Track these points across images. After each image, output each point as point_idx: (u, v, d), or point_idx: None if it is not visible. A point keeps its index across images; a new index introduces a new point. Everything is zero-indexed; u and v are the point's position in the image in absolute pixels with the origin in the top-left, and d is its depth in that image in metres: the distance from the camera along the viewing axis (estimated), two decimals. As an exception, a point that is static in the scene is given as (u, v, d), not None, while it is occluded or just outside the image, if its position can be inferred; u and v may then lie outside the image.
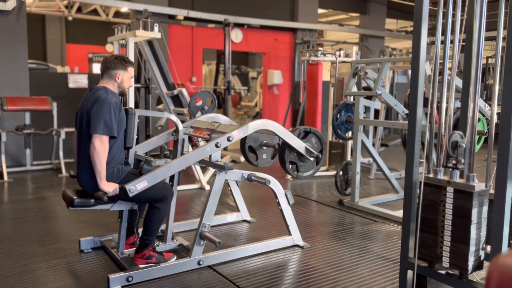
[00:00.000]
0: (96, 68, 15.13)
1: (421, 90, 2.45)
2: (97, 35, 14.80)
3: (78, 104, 2.97)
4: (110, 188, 2.69)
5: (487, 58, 9.99)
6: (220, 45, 8.27)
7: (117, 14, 13.27)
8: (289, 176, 5.96)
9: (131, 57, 5.01)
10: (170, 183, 3.30)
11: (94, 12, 13.37)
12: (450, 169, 2.26)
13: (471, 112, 2.35)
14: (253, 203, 4.78)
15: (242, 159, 4.44)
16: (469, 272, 2.20)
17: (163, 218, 2.97)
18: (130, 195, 2.67)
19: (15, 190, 5.34)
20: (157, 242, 3.31)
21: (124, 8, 10.45)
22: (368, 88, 5.39)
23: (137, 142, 3.40)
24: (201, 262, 3.05)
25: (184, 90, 5.57)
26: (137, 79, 6.74)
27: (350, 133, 5.37)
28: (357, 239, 3.72)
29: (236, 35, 9.17)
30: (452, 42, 2.38)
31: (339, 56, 6.63)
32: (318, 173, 5.94)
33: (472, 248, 2.18)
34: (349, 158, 6.24)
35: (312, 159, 3.48)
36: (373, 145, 5.55)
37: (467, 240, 2.17)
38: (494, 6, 2.50)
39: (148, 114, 4.13)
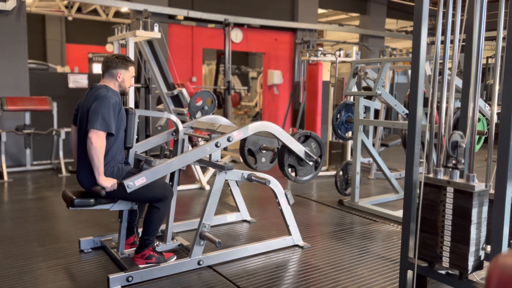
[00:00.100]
0: (96, 68, 15.13)
1: (421, 90, 2.45)
2: (97, 35, 14.80)
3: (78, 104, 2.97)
4: (109, 183, 2.69)
5: (487, 58, 9.99)
6: (220, 45, 8.27)
7: (117, 14, 13.27)
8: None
9: (131, 57, 5.01)
10: (170, 183, 3.30)
11: (94, 12, 13.37)
12: (450, 169, 2.26)
13: (471, 112, 2.35)
14: (253, 203, 4.78)
15: (242, 159, 4.43)
16: (469, 272, 2.20)
17: (163, 218, 2.97)
18: (128, 190, 2.67)
19: (15, 190, 5.34)
20: (157, 242, 3.31)
21: (124, 8, 10.45)
22: (368, 88, 5.39)
23: (137, 142, 3.40)
24: (201, 262, 3.05)
25: (184, 90, 5.57)
26: (137, 79, 6.74)
27: (350, 133, 5.37)
28: (357, 239, 3.72)
29: (236, 35, 9.17)
30: (452, 42, 2.38)
31: (339, 56, 6.63)
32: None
33: (472, 248, 2.18)
34: (349, 158, 6.25)
35: (311, 163, 3.48)
36: (373, 145, 5.55)
37: (467, 240, 2.17)
38: (494, 6, 2.51)
39: (148, 114, 4.13)
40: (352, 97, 5.14)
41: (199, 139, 3.76)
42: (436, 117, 2.50)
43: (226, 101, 7.92)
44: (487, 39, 3.98)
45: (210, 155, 3.16)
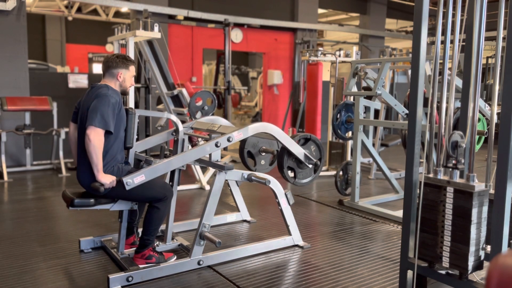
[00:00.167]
0: (96, 68, 15.13)
1: (421, 90, 2.45)
2: (97, 35, 14.80)
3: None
4: (107, 180, 2.68)
5: (487, 58, 9.99)
6: (220, 45, 8.27)
7: (117, 14, 13.27)
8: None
9: (131, 57, 5.01)
10: (170, 183, 3.30)
11: (94, 12, 13.37)
12: (450, 169, 2.26)
13: (471, 112, 2.35)
14: (253, 203, 4.78)
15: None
16: (469, 272, 2.20)
17: (163, 218, 2.97)
18: (127, 188, 2.67)
19: (15, 190, 5.34)
20: (157, 242, 3.31)
21: (124, 8, 10.45)
22: (368, 88, 5.39)
23: (137, 141, 3.40)
24: (201, 262, 3.05)
25: (184, 90, 5.57)
26: (137, 79, 6.74)
27: (350, 133, 5.37)
28: (357, 239, 3.72)
29: (236, 35, 9.17)
30: (452, 42, 2.38)
31: (339, 56, 6.63)
32: (318, 173, 5.93)
33: (472, 248, 2.18)
34: (349, 158, 6.25)
35: (310, 166, 3.48)
36: (373, 145, 5.55)
37: (467, 240, 2.17)
38: (494, 6, 2.51)
39: (148, 114, 4.13)
40: (352, 97, 5.14)
41: (199, 139, 3.77)
42: (436, 117, 2.50)
43: (226, 101, 7.92)
44: (487, 39, 3.98)
45: (210, 155, 3.16)
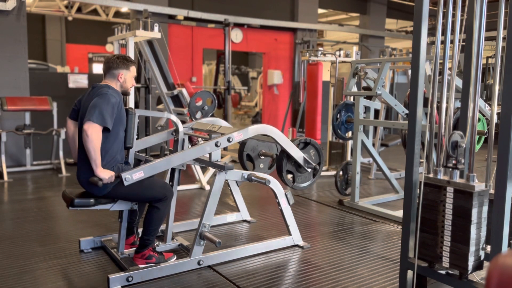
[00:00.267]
0: (96, 68, 15.13)
1: (421, 90, 2.45)
2: (97, 35, 14.80)
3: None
4: (106, 175, 2.67)
5: (487, 58, 9.99)
6: (220, 45, 8.27)
7: (117, 14, 13.27)
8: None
9: (132, 58, 5.01)
10: (170, 183, 3.30)
11: (94, 12, 13.37)
12: (450, 169, 2.26)
13: (471, 112, 2.35)
14: (253, 203, 4.78)
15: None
16: (469, 272, 2.20)
17: (163, 218, 2.97)
18: (126, 183, 2.67)
19: (15, 190, 5.34)
20: (157, 242, 3.31)
21: (124, 8, 10.45)
22: (368, 88, 5.39)
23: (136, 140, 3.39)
24: (201, 262, 3.05)
25: (184, 90, 5.57)
26: (137, 79, 6.74)
27: (350, 133, 5.37)
28: (357, 239, 3.72)
29: (236, 35, 9.17)
30: (452, 42, 2.38)
31: (339, 56, 6.62)
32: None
33: (472, 248, 2.18)
34: (349, 158, 6.25)
35: (309, 170, 3.48)
36: (373, 145, 5.55)
37: (467, 240, 2.17)
38: (494, 6, 2.51)
39: (148, 114, 4.13)
40: (352, 97, 5.14)
41: (199, 139, 3.77)
42: (436, 117, 2.50)
43: (226, 101, 7.92)
44: (487, 39, 3.98)
45: (210, 155, 3.16)
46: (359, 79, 5.01)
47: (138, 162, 3.23)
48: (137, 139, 3.31)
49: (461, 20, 2.38)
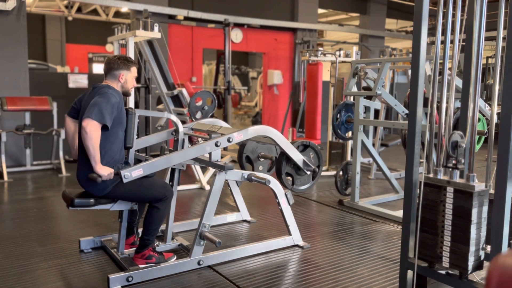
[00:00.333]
0: (96, 68, 15.13)
1: (421, 90, 2.45)
2: (97, 35, 14.80)
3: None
4: (105, 172, 2.66)
5: (487, 58, 9.99)
6: (220, 45, 8.27)
7: (117, 14, 13.26)
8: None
9: (131, 57, 5.01)
10: (170, 183, 3.30)
11: (94, 12, 13.37)
12: (450, 169, 2.26)
13: (471, 112, 2.35)
14: (253, 203, 4.78)
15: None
16: (469, 272, 2.20)
17: (163, 218, 2.98)
18: (124, 180, 2.67)
19: (15, 190, 5.34)
20: (157, 242, 3.31)
21: (124, 8, 10.45)
22: (368, 88, 5.39)
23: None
24: (201, 262, 3.05)
25: (184, 90, 5.57)
26: (137, 79, 6.72)
27: (350, 133, 5.37)
28: (357, 239, 3.72)
29: (236, 35, 9.17)
30: (452, 42, 2.38)
31: (339, 56, 6.62)
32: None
33: (472, 248, 2.18)
34: (349, 158, 6.25)
35: (308, 173, 3.48)
36: (373, 145, 5.55)
37: (467, 240, 2.17)
38: (494, 6, 2.51)
39: (148, 114, 4.13)
40: (352, 97, 5.14)
41: (199, 139, 3.77)
42: (436, 117, 2.50)
43: (226, 101, 7.92)
44: (487, 39, 3.98)
45: (210, 155, 3.16)
46: (359, 79, 5.01)
47: (138, 162, 3.22)
48: (137, 139, 3.31)
49: (461, 20, 2.38)
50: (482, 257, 2.24)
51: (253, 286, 2.81)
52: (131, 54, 5.13)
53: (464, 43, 2.53)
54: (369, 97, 4.97)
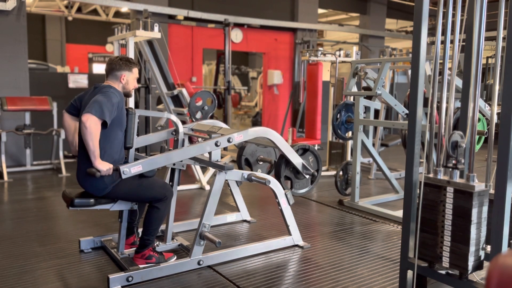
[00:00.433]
0: (96, 68, 15.13)
1: (421, 90, 2.45)
2: (97, 35, 14.80)
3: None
4: (104, 166, 2.66)
5: (487, 58, 9.99)
6: (220, 45, 8.27)
7: (117, 14, 13.26)
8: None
9: (131, 57, 5.01)
10: (170, 183, 3.30)
11: (94, 12, 13.36)
12: (450, 169, 2.26)
13: (471, 112, 2.35)
14: (253, 203, 4.78)
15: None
16: (469, 272, 2.20)
17: (163, 218, 2.98)
18: (123, 176, 2.67)
19: (15, 190, 5.34)
20: (157, 242, 3.31)
21: (124, 8, 10.44)
22: (368, 88, 5.39)
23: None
24: (201, 262, 3.05)
25: (184, 90, 5.57)
26: (138, 80, 6.73)
27: (350, 133, 5.37)
28: (357, 239, 3.72)
29: (236, 35, 9.17)
30: (452, 42, 2.38)
31: (339, 56, 6.62)
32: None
33: (472, 248, 2.18)
34: (349, 158, 6.25)
35: (307, 176, 3.48)
36: (373, 145, 5.55)
37: (467, 240, 2.17)
38: (494, 6, 2.51)
39: (148, 114, 4.13)
40: (352, 97, 5.14)
41: (199, 139, 3.77)
42: (436, 117, 2.50)
43: (226, 101, 7.92)
44: (487, 39, 3.98)
45: (210, 155, 3.16)
46: (359, 79, 5.01)
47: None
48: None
49: (461, 20, 2.38)
50: (482, 257, 2.24)
51: (253, 286, 2.81)
52: (131, 54, 5.13)
53: (464, 43, 2.53)
54: (369, 97, 4.97)
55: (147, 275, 2.85)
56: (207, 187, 5.41)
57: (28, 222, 4.09)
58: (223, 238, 3.60)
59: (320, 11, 11.87)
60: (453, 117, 3.24)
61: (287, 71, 9.97)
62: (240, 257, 3.25)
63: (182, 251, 3.36)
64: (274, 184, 3.37)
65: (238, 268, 3.08)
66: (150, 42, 5.66)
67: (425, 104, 3.12)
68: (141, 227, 3.02)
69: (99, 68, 15.06)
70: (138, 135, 3.51)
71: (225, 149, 6.73)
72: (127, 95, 3.00)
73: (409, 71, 7.44)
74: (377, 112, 6.01)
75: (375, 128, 6.33)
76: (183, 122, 4.55)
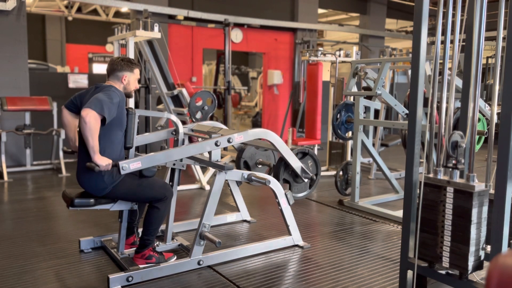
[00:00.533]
0: (96, 68, 15.13)
1: (421, 90, 2.45)
2: (97, 35, 14.80)
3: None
4: (103, 162, 2.65)
5: (487, 58, 9.99)
6: (220, 45, 8.26)
7: (117, 14, 13.26)
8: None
9: (131, 57, 5.00)
10: (170, 183, 3.30)
11: (94, 12, 13.36)
12: (450, 169, 2.26)
13: (471, 112, 2.35)
14: (253, 203, 4.78)
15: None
16: (469, 272, 2.20)
17: (163, 218, 2.98)
18: (122, 172, 2.67)
19: (15, 190, 5.34)
20: (157, 242, 3.31)
21: (124, 8, 10.44)
22: (368, 88, 5.39)
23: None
24: (201, 262, 3.05)
25: (184, 90, 5.57)
26: (138, 80, 6.73)
27: (350, 133, 5.37)
28: (357, 239, 3.72)
29: (236, 35, 9.17)
30: (452, 42, 2.38)
31: (339, 56, 6.62)
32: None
33: (472, 248, 2.18)
34: (349, 158, 6.25)
35: (306, 180, 3.48)
36: (373, 145, 5.55)
37: (467, 240, 2.17)
38: (494, 6, 2.51)
39: (148, 114, 4.13)
40: (352, 97, 5.14)
41: (199, 139, 3.77)
42: (436, 117, 2.50)
43: (226, 101, 7.92)
44: (487, 39, 3.98)
45: (210, 155, 3.16)
46: (359, 79, 5.01)
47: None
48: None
49: (461, 20, 2.38)
50: (482, 257, 2.24)
51: (253, 286, 2.81)
52: (131, 54, 5.13)
53: (464, 43, 2.53)
54: (369, 97, 4.97)
55: (147, 275, 2.85)
56: (207, 187, 5.41)
57: (28, 222, 4.09)
58: (223, 238, 3.60)
59: (320, 11, 11.87)
60: (453, 117, 3.24)
61: (287, 71, 9.97)
62: (240, 257, 3.25)
63: (182, 251, 3.36)
64: (274, 184, 3.37)
65: (238, 268, 3.08)
66: (150, 42, 5.66)
67: (425, 104, 3.12)
68: (141, 227, 3.02)
69: (99, 68, 15.07)
70: (138, 135, 3.51)
71: (225, 149, 6.73)
72: (128, 95, 3.01)
73: (409, 71, 7.44)
74: (377, 112, 6.01)
75: (375, 128, 6.33)
76: (183, 122, 4.55)
